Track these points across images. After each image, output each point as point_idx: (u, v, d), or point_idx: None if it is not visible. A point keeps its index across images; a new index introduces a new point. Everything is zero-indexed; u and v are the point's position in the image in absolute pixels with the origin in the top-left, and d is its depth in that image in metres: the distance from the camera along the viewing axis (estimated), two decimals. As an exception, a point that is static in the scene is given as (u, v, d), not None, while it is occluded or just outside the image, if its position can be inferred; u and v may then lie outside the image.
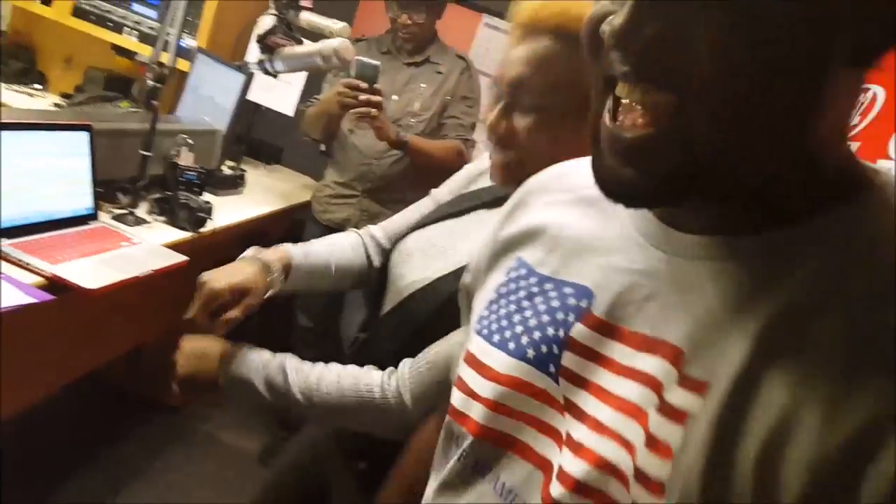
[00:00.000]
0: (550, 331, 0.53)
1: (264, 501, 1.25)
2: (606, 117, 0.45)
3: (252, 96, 2.54)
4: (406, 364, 0.99)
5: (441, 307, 0.98)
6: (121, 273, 1.39)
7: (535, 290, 0.57)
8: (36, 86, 2.83)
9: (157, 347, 2.13)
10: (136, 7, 2.65)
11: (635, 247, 0.51)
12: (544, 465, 0.51)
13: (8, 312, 1.12)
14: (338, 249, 1.22)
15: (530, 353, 0.53)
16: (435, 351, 0.96)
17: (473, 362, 0.58)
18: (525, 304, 0.57)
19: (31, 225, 1.42)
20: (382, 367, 1.03)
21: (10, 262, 1.28)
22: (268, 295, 1.06)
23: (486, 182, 1.17)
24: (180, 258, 1.59)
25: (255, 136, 2.90)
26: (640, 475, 0.44)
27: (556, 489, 0.48)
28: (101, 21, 2.68)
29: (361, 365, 1.04)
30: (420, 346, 0.99)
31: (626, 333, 0.49)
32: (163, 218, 1.81)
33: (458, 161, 2.24)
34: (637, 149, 0.42)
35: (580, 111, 0.84)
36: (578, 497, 0.47)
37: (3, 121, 1.38)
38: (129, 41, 2.67)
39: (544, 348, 0.53)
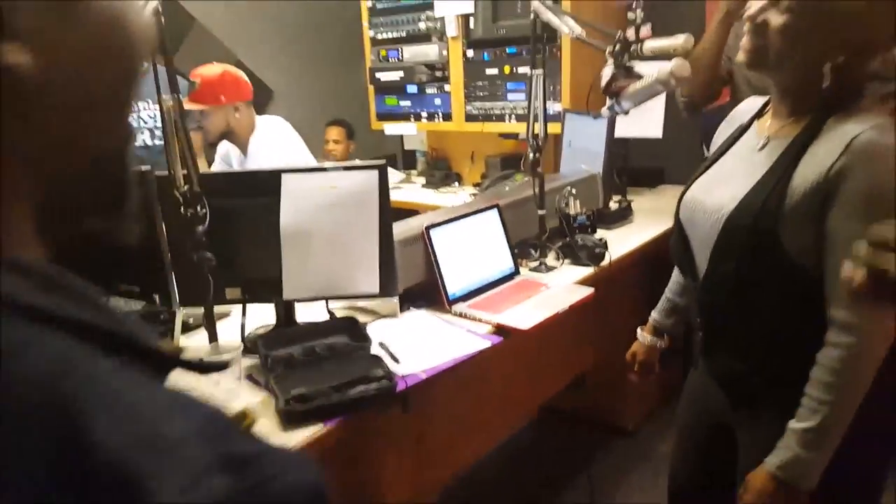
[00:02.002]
0: None
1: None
2: None
3: (620, 132, 2.75)
4: None
5: (756, 221, 1.03)
6: (545, 312, 1.70)
7: None
8: (454, 184, 3.54)
9: (599, 374, 2.40)
10: (510, 96, 3.16)
11: None
12: None
13: (475, 356, 1.50)
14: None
15: None
16: None
17: None
18: None
19: (476, 289, 1.84)
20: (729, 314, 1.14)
21: (468, 319, 1.70)
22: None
23: (732, 127, 1.27)
24: (588, 291, 1.84)
25: (634, 166, 3.09)
26: None
27: None
28: (487, 118, 3.26)
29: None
30: (748, 266, 1.06)
31: None
32: (568, 260, 2.10)
33: None
34: None
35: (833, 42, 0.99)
36: None
37: (438, 221, 1.84)
38: (510, 126, 3.18)
39: None
